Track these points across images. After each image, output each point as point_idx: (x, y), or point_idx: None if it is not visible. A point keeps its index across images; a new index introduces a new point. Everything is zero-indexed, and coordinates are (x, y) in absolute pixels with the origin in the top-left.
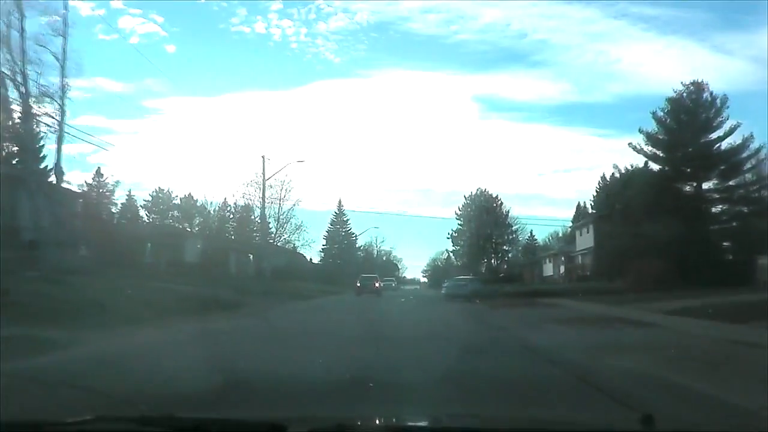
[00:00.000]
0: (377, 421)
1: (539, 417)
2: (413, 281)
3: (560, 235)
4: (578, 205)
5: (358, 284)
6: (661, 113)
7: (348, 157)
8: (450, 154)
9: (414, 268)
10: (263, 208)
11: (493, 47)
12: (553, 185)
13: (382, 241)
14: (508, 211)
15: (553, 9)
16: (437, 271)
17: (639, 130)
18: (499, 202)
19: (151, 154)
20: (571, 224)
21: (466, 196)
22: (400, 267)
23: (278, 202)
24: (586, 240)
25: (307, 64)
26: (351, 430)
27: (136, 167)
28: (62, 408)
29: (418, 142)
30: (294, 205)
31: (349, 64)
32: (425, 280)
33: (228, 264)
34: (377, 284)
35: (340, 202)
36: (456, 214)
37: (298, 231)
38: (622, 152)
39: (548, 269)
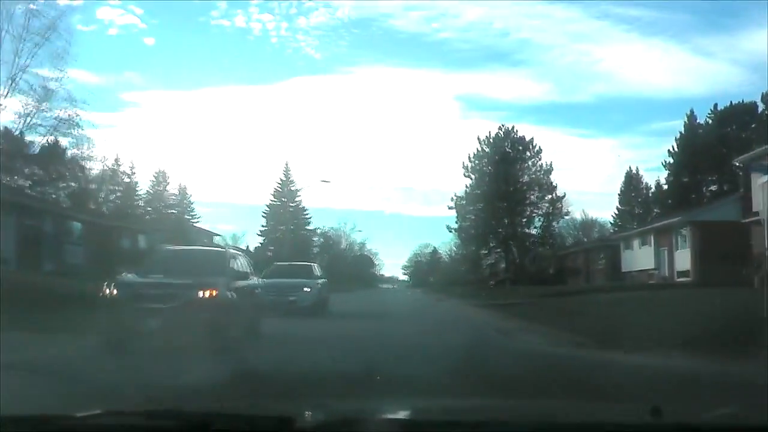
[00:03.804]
0: (384, 415)
1: (548, 409)
2: (391, 279)
3: (579, 220)
4: (628, 172)
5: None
6: None
7: (328, 154)
8: (431, 152)
9: (393, 266)
10: None
11: (476, 46)
12: None
13: (352, 229)
14: (551, 166)
15: (535, 8)
16: (420, 268)
17: None
18: (535, 148)
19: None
20: (618, 205)
21: (482, 140)
22: (376, 262)
23: None
24: None
25: (287, 60)
26: (358, 422)
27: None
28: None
29: (399, 140)
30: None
31: (330, 60)
32: (406, 278)
33: None
34: (208, 294)
35: (287, 165)
36: (464, 168)
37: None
38: (606, 152)
39: (639, 258)
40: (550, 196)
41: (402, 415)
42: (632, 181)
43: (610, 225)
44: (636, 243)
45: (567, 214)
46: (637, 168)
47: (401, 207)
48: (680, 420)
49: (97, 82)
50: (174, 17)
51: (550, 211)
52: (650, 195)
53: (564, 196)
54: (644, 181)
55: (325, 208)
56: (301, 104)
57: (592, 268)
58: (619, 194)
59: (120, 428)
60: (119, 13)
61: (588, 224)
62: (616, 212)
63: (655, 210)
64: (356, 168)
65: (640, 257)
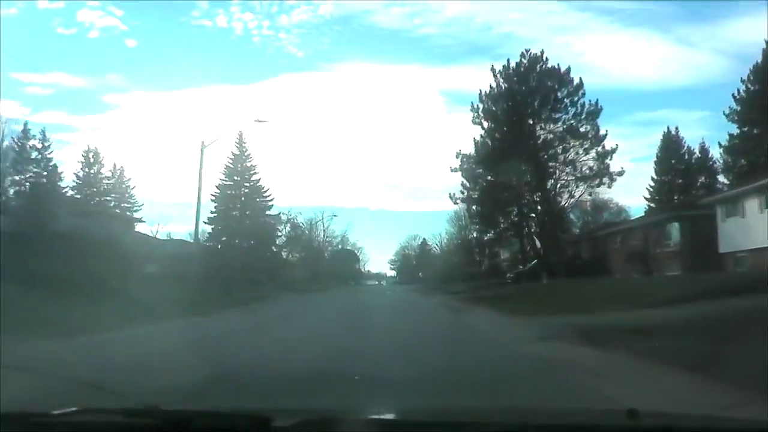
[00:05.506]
0: (361, 414)
1: (525, 409)
2: (378, 275)
3: (591, 197)
4: (666, 134)
5: None
6: None
7: (313, 152)
8: (416, 147)
9: (380, 262)
10: None
11: (458, 41)
12: None
13: (330, 219)
14: (597, 106)
15: (517, 2)
16: (408, 262)
17: None
18: (573, 82)
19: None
20: (654, 175)
21: (499, 72)
22: (362, 258)
23: None
24: None
25: (270, 58)
26: (335, 422)
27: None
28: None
29: (384, 136)
30: None
31: (312, 58)
32: (393, 273)
33: None
34: None
35: (240, 136)
36: (474, 111)
37: None
38: None
39: (760, 229)
40: (595, 150)
41: (381, 414)
42: (671, 145)
43: (645, 200)
44: (752, 205)
45: (621, 173)
46: (677, 128)
47: (387, 203)
48: (657, 422)
49: (78, 84)
50: (155, 18)
51: (597, 170)
52: (693, 161)
53: (616, 148)
54: (686, 145)
55: (307, 207)
56: (284, 102)
57: (654, 251)
58: (655, 162)
59: (97, 425)
60: (99, 15)
61: (600, 205)
62: (652, 184)
63: (700, 179)
64: (340, 164)
65: (761, 228)
